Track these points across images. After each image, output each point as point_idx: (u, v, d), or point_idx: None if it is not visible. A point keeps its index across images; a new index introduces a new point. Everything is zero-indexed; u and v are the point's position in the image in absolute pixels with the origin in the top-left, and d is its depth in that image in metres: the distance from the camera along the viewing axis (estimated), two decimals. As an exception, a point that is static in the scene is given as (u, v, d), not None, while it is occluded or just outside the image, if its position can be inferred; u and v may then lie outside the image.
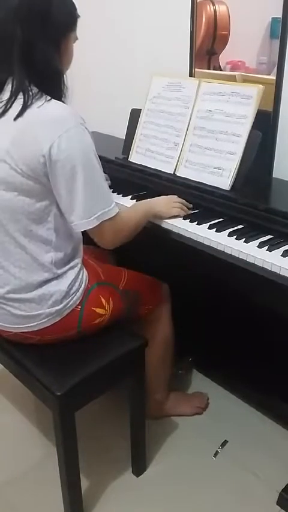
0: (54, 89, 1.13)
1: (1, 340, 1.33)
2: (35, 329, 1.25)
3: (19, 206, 1.14)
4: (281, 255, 1.19)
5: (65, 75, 1.17)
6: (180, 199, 1.43)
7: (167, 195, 1.46)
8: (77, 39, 1.19)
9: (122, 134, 1.77)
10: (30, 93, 1.09)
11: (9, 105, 1.09)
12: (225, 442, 1.62)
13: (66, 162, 1.07)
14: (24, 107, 1.08)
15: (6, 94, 1.11)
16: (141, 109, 1.69)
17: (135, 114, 1.71)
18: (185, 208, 1.41)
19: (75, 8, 1.15)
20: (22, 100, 1.09)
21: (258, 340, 1.65)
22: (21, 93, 1.09)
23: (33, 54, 1.09)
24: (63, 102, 1.15)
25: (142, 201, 1.42)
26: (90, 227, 1.15)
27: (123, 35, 2.04)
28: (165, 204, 1.39)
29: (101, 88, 2.23)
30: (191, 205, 1.44)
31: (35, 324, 1.24)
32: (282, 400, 1.64)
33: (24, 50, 1.08)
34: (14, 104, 1.09)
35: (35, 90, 1.10)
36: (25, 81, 1.10)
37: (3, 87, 1.12)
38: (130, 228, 1.26)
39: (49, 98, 1.10)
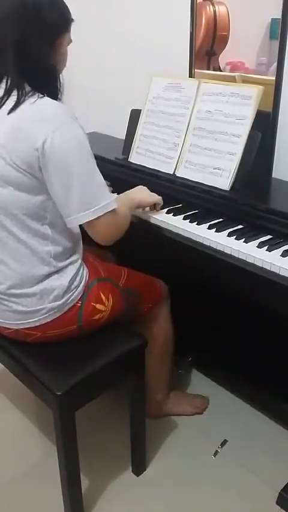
0: (49, 87, 1.15)
1: (1, 340, 1.34)
2: (36, 324, 1.25)
3: (15, 202, 1.15)
4: (281, 255, 1.19)
5: (60, 76, 1.19)
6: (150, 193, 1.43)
7: (166, 195, 1.47)
8: (71, 41, 1.21)
9: (122, 134, 1.77)
10: (24, 91, 1.11)
11: (2, 102, 1.12)
12: (225, 441, 1.62)
13: (59, 157, 1.08)
14: (18, 103, 1.10)
15: (0, 92, 1.13)
16: (141, 109, 1.69)
17: (135, 115, 1.71)
18: (160, 199, 1.43)
19: (67, 11, 1.17)
20: (16, 97, 1.11)
21: (258, 339, 1.66)
22: (15, 91, 1.11)
23: (26, 53, 1.10)
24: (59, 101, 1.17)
25: (120, 195, 1.39)
26: (89, 219, 1.14)
27: (123, 36, 2.05)
28: (143, 192, 1.41)
29: (101, 88, 2.24)
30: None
31: (36, 319, 1.25)
32: (282, 400, 1.64)
33: (17, 49, 1.10)
34: (8, 101, 1.12)
35: (28, 88, 1.12)
36: (19, 80, 1.12)
37: None
38: (126, 222, 1.26)
39: (42, 95, 1.12)
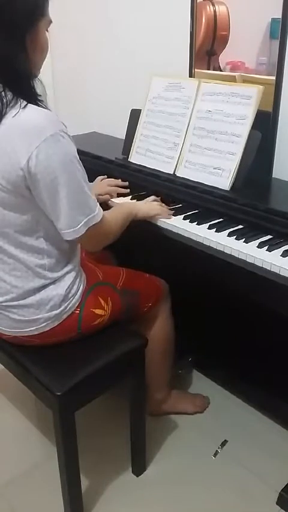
0: (26, 92, 1.06)
1: (1, 341, 1.33)
2: (35, 333, 1.25)
3: (5, 220, 1.13)
4: (281, 255, 1.19)
5: (37, 77, 1.09)
6: (158, 201, 1.45)
7: (166, 195, 1.47)
8: (51, 22, 1.06)
9: (122, 134, 1.77)
10: (5, 100, 1.04)
11: None
12: (225, 441, 1.62)
13: (46, 174, 1.03)
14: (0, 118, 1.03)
15: None
16: (141, 109, 1.69)
17: (135, 115, 1.71)
18: (165, 207, 1.43)
19: None
20: None
21: (258, 340, 1.66)
22: None
23: None
24: (40, 105, 1.07)
25: (125, 202, 1.42)
26: (78, 235, 1.12)
27: (123, 36, 2.05)
28: (146, 205, 1.41)
29: (101, 88, 2.24)
30: (170, 211, 1.44)
31: (33, 328, 1.24)
32: (282, 400, 1.64)
33: None
34: None
35: (9, 96, 1.04)
36: None
37: None
38: (116, 230, 1.26)
39: (24, 103, 1.04)
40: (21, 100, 1.05)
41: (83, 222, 1.11)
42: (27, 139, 1.01)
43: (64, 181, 1.05)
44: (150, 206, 1.42)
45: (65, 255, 1.23)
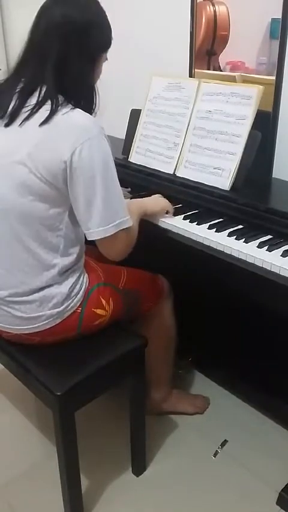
0: (86, 104, 1.17)
1: (1, 340, 1.33)
2: (36, 331, 1.25)
3: (33, 211, 1.15)
4: (281, 255, 1.19)
5: (96, 93, 1.23)
6: (164, 199, 1.44)
7: (166, 195, 1.46)
8: (106, 59, 1.24)
9: (122, 134, 1.77)
10: (57, 101, 1.11)
11: (35, 110, 1.11)
12: (225, 442, 1.62)
13: (86, 170, 1.09)
14: (51, 114, 1.09)
15: (34, 99, 1.13)
16: (141, 109, 1.69)
17: (135, 115, 1.71)
18: (171, 207, 1.43)
19: (111, 31, 1.22)
20: (49, 106, 1.10)
21: (258, 340, 1.66)
22: (49, 101, 1.11)
23: (67, 69, 1.13)
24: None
25: (131, 201, 1.39)
26: (107, 235, 1.15)
27: (123, 35, 2.03)
28: (152, 200, 1.41)
29: (100, 88, 2.23)
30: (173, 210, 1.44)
31: (35, 325, 1.24)
32: (282, 400, 1.64)
33: (59, 63, 1.12)
34: (41, 110, 1.11)
35: (61, 98, 1.12)
36: (54, 92, 1.12)
37: (33, 92, 1.13)
38: (135, 235, 1.27)
39: (73, 107, 1.13)
40: (71, 104, 1.13)
41: (115, 223, 1.14)
42: (74, 135, 1.08)
43: (101, 179, 1.11)
44: (156, 201, 1.42)
45: (76, 257, 1.25)
